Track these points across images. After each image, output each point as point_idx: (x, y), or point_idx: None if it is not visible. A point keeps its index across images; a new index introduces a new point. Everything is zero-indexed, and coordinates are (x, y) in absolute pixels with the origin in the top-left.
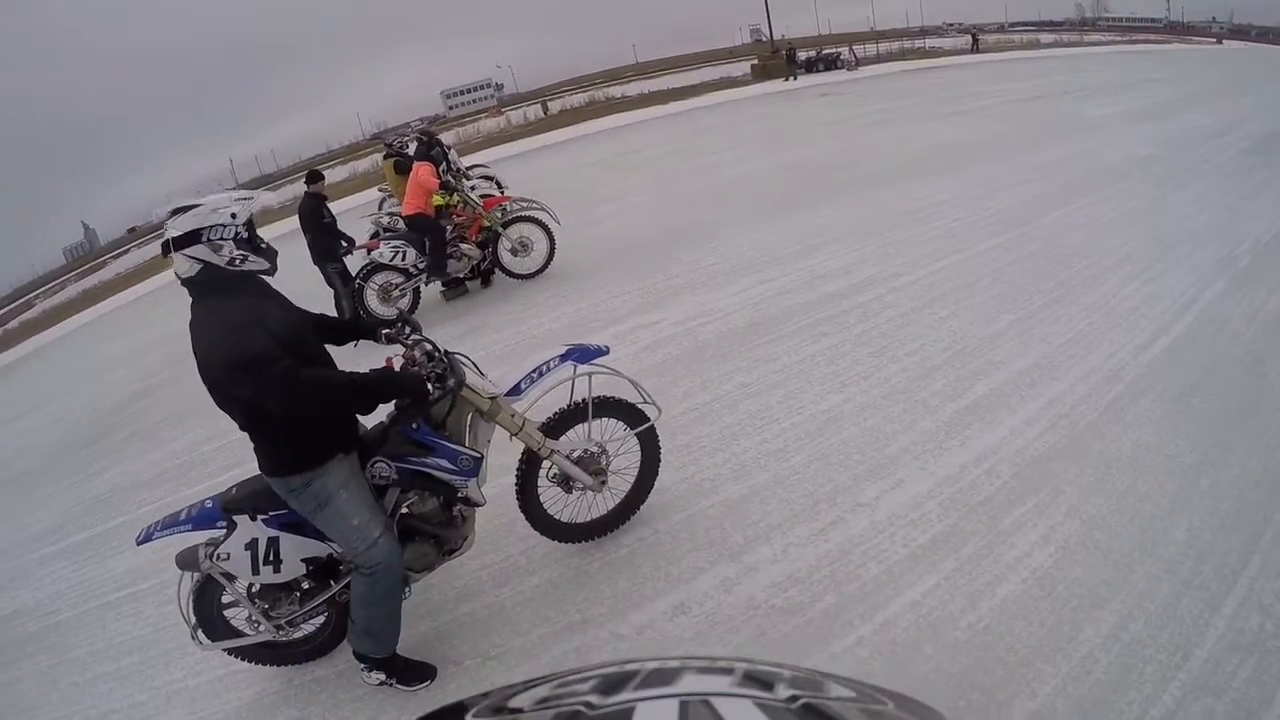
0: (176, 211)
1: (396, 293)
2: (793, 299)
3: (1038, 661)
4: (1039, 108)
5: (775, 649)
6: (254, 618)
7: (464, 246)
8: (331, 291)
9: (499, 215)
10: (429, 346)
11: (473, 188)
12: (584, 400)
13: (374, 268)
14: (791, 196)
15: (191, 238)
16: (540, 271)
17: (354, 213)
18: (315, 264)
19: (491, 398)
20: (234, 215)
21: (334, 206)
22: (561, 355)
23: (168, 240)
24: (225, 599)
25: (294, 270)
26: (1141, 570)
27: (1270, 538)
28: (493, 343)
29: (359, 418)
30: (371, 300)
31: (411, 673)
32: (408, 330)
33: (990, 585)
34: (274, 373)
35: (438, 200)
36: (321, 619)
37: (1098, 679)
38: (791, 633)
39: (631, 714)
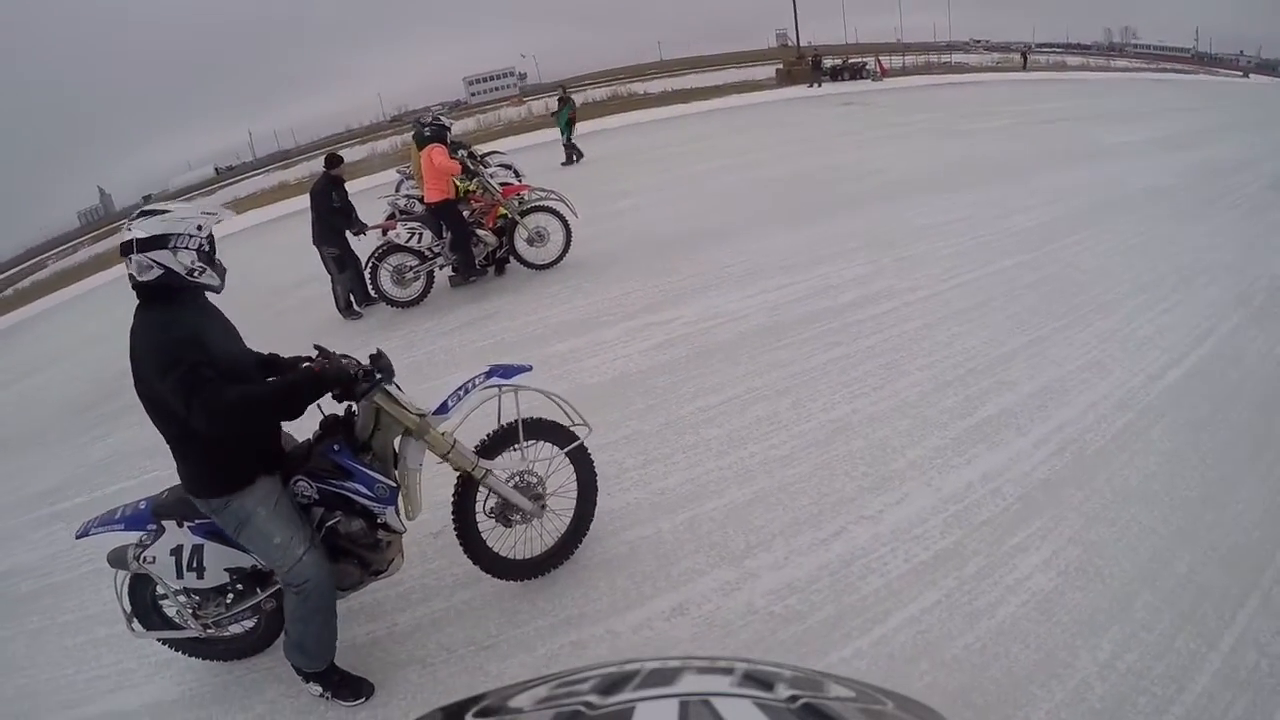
0: (144, 214)
1: (410, 275)
2: (807, 306)
3: (1032, 685)
4: (1062, 130)
5: (771, 656)
6: (181, 615)
7: (480, 233)
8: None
9: (516, 204)
10: (351, 360)
11: (491, 175)
12: (514, 421)
13: (389, 249)
14: (810, 204)
15: (158, 241)
16: (556, 263)
17: (371, 194)
18: (314, 244)
19: (420, 414)
20: (199, 227)
21: (352, 186)
22: (486, 373)
23: (130, 240)
24: (159, 591)
25: (299, 249)
26: (1141, 601)
27: (1271, 577)
28: (504, 330)
29: (284, 432)
30: (385, 282)
31: (346, 688)
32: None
33: (990, 606)
34: (201, 393)
35: (458, 185)
36: (251, 622)
37: (1091, 706)
38: (788, 640)
39: (631, 714)
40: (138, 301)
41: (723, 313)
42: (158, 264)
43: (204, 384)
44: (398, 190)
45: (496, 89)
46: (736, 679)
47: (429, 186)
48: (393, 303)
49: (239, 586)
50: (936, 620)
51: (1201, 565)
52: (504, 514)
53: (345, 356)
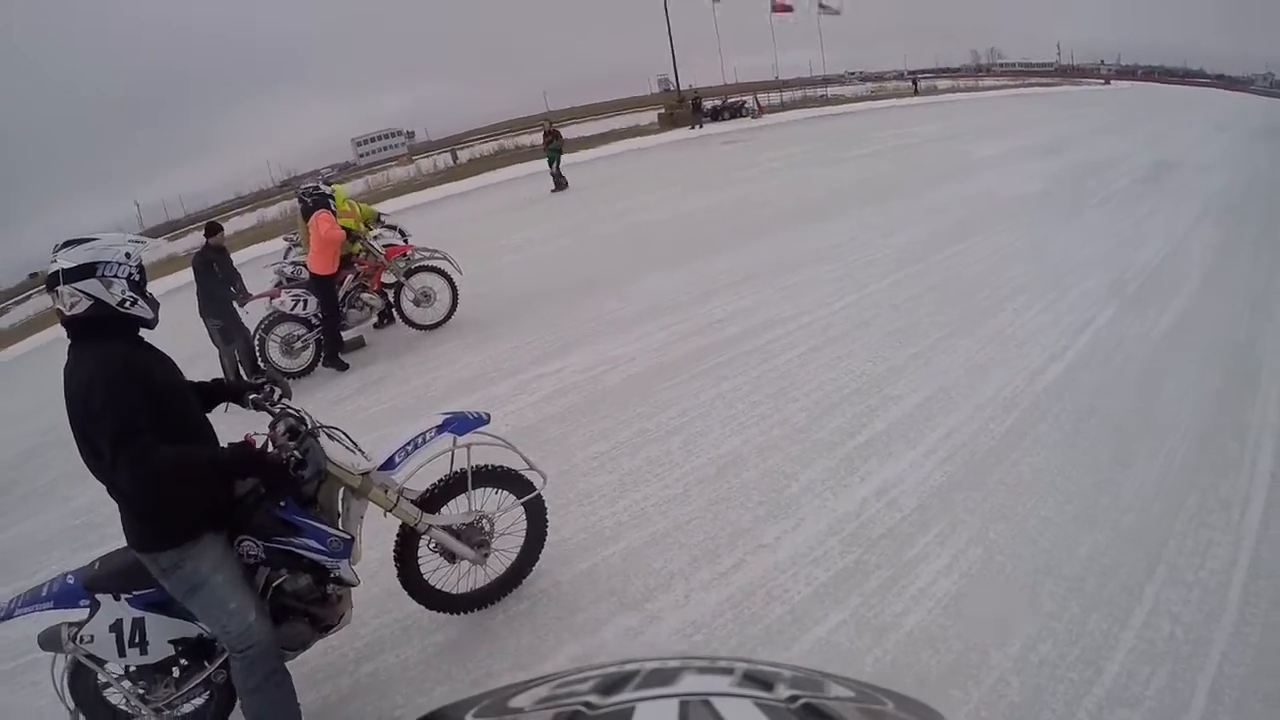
0: (68, 244)
1: (299, 344)
2: (694, 343)
3: (949, 689)
4: (936, 150)
5: None
6: (130, 702)
7: (365, 296)
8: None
9: (402, 264)
10: (293, 420)
11: (376, 236)
12: (462, 470)
13: (276, 319)
14: (694, 242)
15: (84, 271)
16: (444, 322)
17: (260, 261)
18: (200, 317)
19: (364, 473)
20: (128, 255)
21: (241, 254)
22: (439, 426)
23: (57, 272)
24: (101, 679)
25: (190, 324)
26: (1046, 591)
27: (1174, 547)
28: (396, 396)
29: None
30: (274, 352)
31: None
32: (276, 394)
33: (897, 617)
34: (131, 450)
35: (344, 248)
36: (203, 698)
37: (1010, 702)
38: None
39: (631, 714)
40: (70, 340)
41: (610, 358)
42: (86, 295)
43: (135, 437)
44: (286, 257)
45: (385, 149)
46: (736, 679)
47: (312, 256)
48: (283, 374)
49: (184, 662)
50: (844, 639)
51: (1104, 547)
52: (449, 552)
53: (289, 410)
